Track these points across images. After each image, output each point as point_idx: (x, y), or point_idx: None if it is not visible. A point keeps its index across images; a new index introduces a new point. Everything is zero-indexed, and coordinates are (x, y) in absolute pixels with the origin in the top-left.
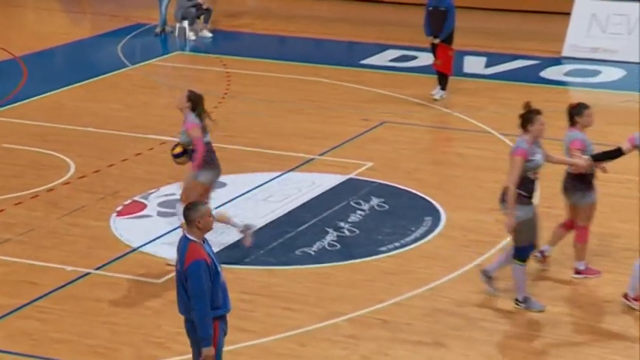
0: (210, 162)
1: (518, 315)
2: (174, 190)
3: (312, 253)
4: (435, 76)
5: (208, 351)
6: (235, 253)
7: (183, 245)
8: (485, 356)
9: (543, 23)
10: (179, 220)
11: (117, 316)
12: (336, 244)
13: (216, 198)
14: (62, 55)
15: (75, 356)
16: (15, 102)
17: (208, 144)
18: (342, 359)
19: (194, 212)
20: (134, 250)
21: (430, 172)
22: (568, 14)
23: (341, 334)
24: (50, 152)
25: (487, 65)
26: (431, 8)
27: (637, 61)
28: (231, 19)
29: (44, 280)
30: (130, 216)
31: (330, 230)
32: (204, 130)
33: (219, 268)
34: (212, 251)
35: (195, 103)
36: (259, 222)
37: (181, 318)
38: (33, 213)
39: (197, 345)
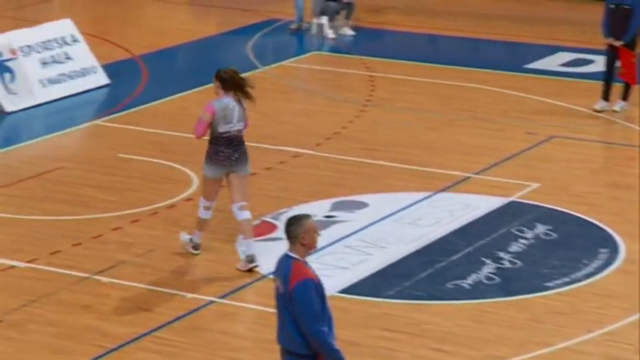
0: (213, 154)
1: None
2: (309, 210)
3: (467, 286)
4: (616, 85)
5: None
6: (378, 284)
7: (286, 264)
8: None
9: None
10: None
11: (244, 351)
12: (494, 277)
13: (355, 220)
14: (185, 55)
15: None
16: (133, 107)
17: (223, 134)
18: None
19: (297, 227)
20: (264, 277)
21: (607, 197)
22: None
23: None
24: (171, 164)
25: None
26: (612, 6)
27: None
28: (375, 14)
29: (163, 308)
30: (259, 238)
31: (488, 261)
32: (226, 118)
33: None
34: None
35: (226, 82)
36: (406, 249)
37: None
38: (152, 232)
39: None
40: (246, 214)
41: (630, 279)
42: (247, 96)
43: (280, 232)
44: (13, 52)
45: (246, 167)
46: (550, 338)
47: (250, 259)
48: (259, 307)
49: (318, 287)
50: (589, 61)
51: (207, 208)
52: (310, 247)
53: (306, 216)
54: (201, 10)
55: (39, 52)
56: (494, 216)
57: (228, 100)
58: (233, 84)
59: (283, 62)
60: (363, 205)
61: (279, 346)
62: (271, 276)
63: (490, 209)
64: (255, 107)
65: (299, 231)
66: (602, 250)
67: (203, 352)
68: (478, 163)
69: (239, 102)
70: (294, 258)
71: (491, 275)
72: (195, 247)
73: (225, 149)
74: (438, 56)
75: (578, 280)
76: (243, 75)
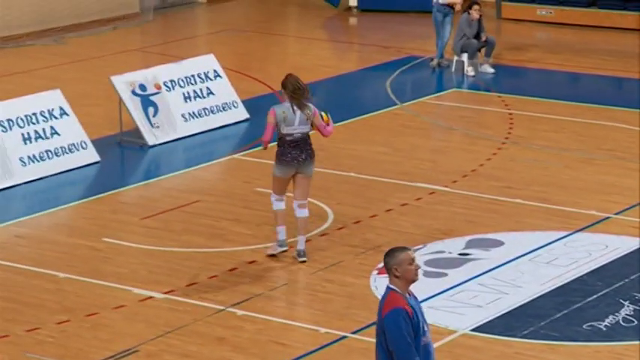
0: (281, 155)
1: None
2: (443, 247)
3: (604, 328)
4: None
5: None
6: (511, 323)
7: (384, 294)
8: None
9: None
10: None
11: None
12: (632, 319)
13: (490, 258)
14: (324, 90)
15: None
16: (272, 142)
17: (286, 136)
18: None
19: (390, 259)
20: None
21: None
22: None
23: None
24: (309, 199)
25: None
26: None
27: None
28: (516, 52)
29: (295, 342)
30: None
31: (626, 303)
32: (286, 121)
33: (423, 330)
34: (419, 309)
35: (286, 89)
36: (541, 288)
37: None
38: (286, 266)
39: None
40: (304, 212)
41: None
42: (300, 107)
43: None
44: (158, 86)
45: (311, 169)
46: None
47: (299, 253)
48: None
49: (409, 317)
50: None
51: (279, 200)
52: (406, 279)
53: (403, 248)
54: (341, 47)
55: (182, 87)
56: (633, 257)
57: (289, 105)
58: (292, 91)
59: (422, 99)
60: (498, 243)
61: None
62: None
63: (629, 250)
64: (392, 144)
65: (391, 263)
66: None
67: None
68: (617, 203)
69: (300, 107)
70: (392, 288)
71: (629, 317)
72: (281, 244)
73: (293, 151)
74: (578, 94)
75: None
76: (303, 85)
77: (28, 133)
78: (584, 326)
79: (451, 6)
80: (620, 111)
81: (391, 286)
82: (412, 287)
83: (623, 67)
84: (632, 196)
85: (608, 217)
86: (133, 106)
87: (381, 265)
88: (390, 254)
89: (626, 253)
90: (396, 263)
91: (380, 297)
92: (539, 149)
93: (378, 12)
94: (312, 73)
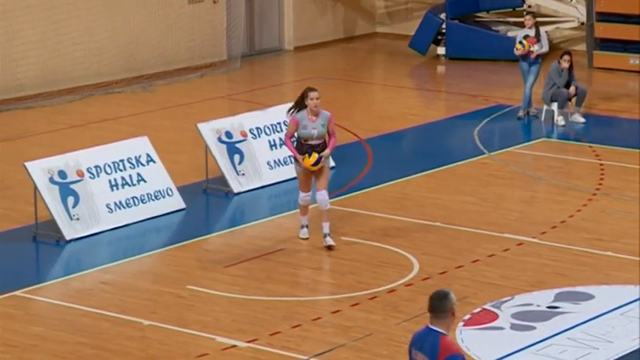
0: (301, 154)
1: None
2: (531, 299)
3: None
4: None
5: None
6: None
7: (433, 338)
8: None
9: None
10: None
11: None
12: None
13: (580, 312)
14: (411, 139)
15: None
16: (357, 190)
17: (305, 137)
18: None
19: (450, 300)
20: None
21: None
22: None
23: None
24: (392, 248)
25: None
26: None
27: None
28: (608, 102)
29: None
30: (480, 327)
31: None
32: (301, 127)
33: None
34: None
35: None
36: (633, 344)
37: None
38: (371, 316)
39: None
40: (323, 195)
41: None
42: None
43: (502, 321)
44: (244, 133)
45: (327, 162)
46: None
47: (326, 236)
48: None
49: None
50: None
51: (302, 198)
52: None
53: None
54: (429, 95)
55: (267, 134)
56: None
57: (305, 112)
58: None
59: (510, 148)
60: (588, 296)
61: None
62: (414, 349)
63: None
64: (479, 193)
65: (451, 304)
66: None
67: None
68: None
69: (316, 114)
70: (442, 332)
71: None
72: (302, 226)
73: (310, 150)
74: None
75: None
76: (316, 93)
77: (115, 180)
78: None
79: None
80: None
81: (438, 329)
82: (499, 341)
83: None
84: None
85: None
86: (219, 153)
87: (468, 316)
88: (447, 296)
89: None
90: (455, 304)
91: (421, 339)
92: (631, 201)
93: (466, 60)
94: (399, 121)
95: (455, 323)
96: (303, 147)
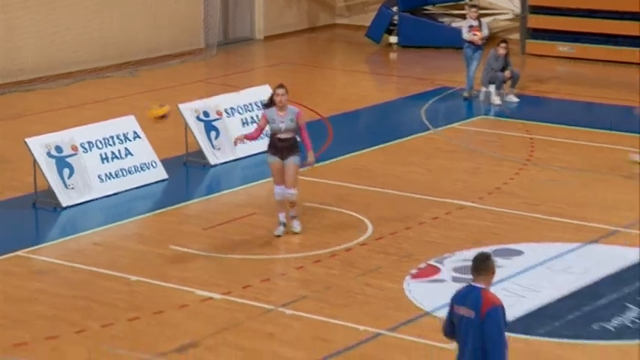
0: (271, 147)
1: None
2: (470, 256)
3: (611, 328)
4: None
5: None
6: (529, 323)
7: (476, 293)
8: None
9: None
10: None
11: None
12: (637, 321)
13: (511, 266)
14: (366, 117)
15: None
16: (319, 162)
17: (275, 131)
18: None
19: (492, 262)
20: (427, 313)
21: None
22: None
23: None
24: (349, 212)
25: None
26: None
27: None
28: (538, 84)
29: (337, 338)
30: (425, 279)
31: (632, 306)
32: (270, 121)
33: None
34: None
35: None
36: (557, 293)
37: None
38: (330, 271)
39: None
40: (290, 191)
41: None
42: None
43: (444, 274)
44: (219, 113)
45: (295, 158)
46: None
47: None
48: (423, 340)
49: (505, 314)
50: None
51: (278, 193)
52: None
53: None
54: (383, 79)
55: (240, 114)
56: (638, 267)
57: (275, 108)
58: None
59: (453, 125)
60: (518, 252)
61: None
62: (456, 305)
63: (636, 260)
64: (426, 165)
65: (492, 264)
66: None
67: None
68: (626, 218)
69: (284, 109)
70: (484, 288)
71: (635, 319)
72: (280, 223)
73: (279, 143)
74: (592, 121)
75: None
76: (282, 90)
77: (105, 154)
78: (594, 326)
79: (475, 43)
80: (628, 136)
81: (481, 285)
82: (441, 292)
83: (632, 98)
84: (632, 210)
85: (617, 231)
86: (198, 130)
87: (415, 271)
88: (490, 258)
89: (633, 262)
90: (494, 264)
91: (465, 295)
92: (557, 170)
93: (416, 48)
94: (356, 101)
95: (403, 277)
96: (273, 140)
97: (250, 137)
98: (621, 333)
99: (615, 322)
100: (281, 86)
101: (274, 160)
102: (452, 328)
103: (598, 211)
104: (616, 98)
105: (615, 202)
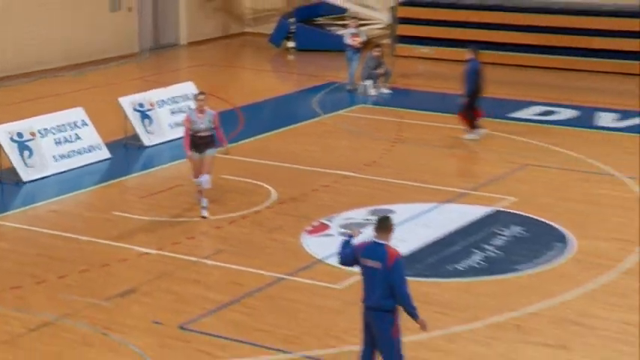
0: (194, 145)
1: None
2: (353, 214)
3: (462, 268)
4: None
5: (421, 321)
6: None
7: (381, 249)
8: (600, 357)
9: None
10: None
11: (304, 312)
12: (482, 262)
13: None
14: (270, 106)
15: (271, 342)
16: (232, 142)
17: (195, 131)
18: (482, 356)
19: (391, 222)
20: (319, 261)
21: (563, 207)
22: None
23: (482, 335)
24: (257, 182)
25: (618, 119)
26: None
27: None
28: (406, 79)
29: (249, 282)
30: (317, 234)
31: (477, 251)
32: (192, 122)
33: None
34: None
35: (195, 101)
36: (420, 242)
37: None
38: (243, 230)
39: (371, 333)
40: (206, 178)
41: (578, 265)
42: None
43: (332, 230)
44: (152, 104)
45: (211, 150)
46: (518, 305)
47: (203, 209)
48: (316, 282)
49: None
50: (554, 112)
51: (197, 183)
52: None
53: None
54: (283, 76)
55: (169, 105)
56: (483, 220)
57: (195, 110)
58: (194, 101)
59: (338, 112)
60: (391, 211)
61: (365, 305)
62: (362, 257)
63: (480, 215)
64: (318, 143)
65: (391, 224)
66: (558, 245)
67: (275, 314)
68: (474, 182)
69: (202, 112)
70: (386, 244)
71: (479, 261)
72: (202, 207)
73: (199, 140)
74: (446, 108)
75: (541, 265)
76: (202, 96)
77: (59, 138)
78: (448, 267)
79: (355, 46)
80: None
81: (384, 242)
82: (330, 244)
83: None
84: (483, 177)
85: (466, 193)
86: (134, 118)
87: (309, 228)
88: (389, 219)
89: (478, 217)
90: (393, 225)
91: (372, 249)
92: (420, 146)
93: (309, 51)
94: (261, 94)
95: (300, 233)
96: (194, 137)
97: (186, 143)
98: (469, 272)
99: (464, 264)
100: (201, 93)
101: (194, 155)
102: (350, 262)
103: (452, 177)
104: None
105: (466, 171)
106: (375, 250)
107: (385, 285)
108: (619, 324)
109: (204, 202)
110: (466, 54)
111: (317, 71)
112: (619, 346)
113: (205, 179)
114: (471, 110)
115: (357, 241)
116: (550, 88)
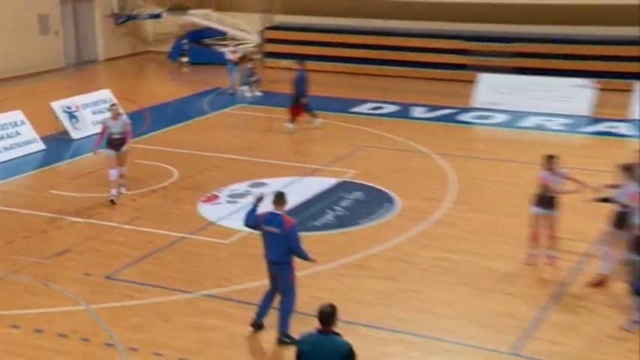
0: (108, 144)
1: (447, 263)
2: (238, 187)
3: (319, 224)
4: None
5: (312, 259)
6: None
7: (279, 217)
8: (420, 285)
9: (462, 88)
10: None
11: (201, 262)
12: (333, 219)
13: (260, 191)
14: (170, 107)
15: (177, 285)
16: (142, 135)
17: (111, 133)
18: (336, 288)
19: (286, 196)
20: (212, 223)
21: (391, 177)
22: (473, 81)
23: (336, 273)
24: (163, 165)
25: (427, 112)
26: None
27: (519, 109)
28: (272, 84)
29: (158, 241)
30: (210, 203)
31: (329, 211)
32: (107, 127)
33: None
34: None
35: (109, 110)
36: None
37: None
38: (153, 201)
39: (275, 278)
40: (123, 168)
41: (402, 218)
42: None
43: (221, 199)
44: (77, 107)
45: (125, 147)
46: (361, 249)
47: (116, 193)
48: (210, 239)
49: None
50: (382, 107)
51: (111, 174)
52: None
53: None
54: (180, 84)
55: (91, 108)
56: (333, 188)
57: (110, 117)
58: (109, 110)
59: (223, 110)
60: (264, 184)
61: (268, 259)
62: (264, 225)
63: (331, 185)
64: (208, 135)
65: (285, 197)
66: (388, 204)
67: (181, 263)
68: (325, 161)
69: (116, 119)
70: (282, 214)
71: (331, 219)
72: (116, 196)
73: (114, 141)
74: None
75: (376, 219)
76: (115, 106)
77: (2, 135)
78: (308, 224)
79: (234, 60)
80: (328, 114)
81: (280, 212)
82: (220, 210)
83: (326, 90)
84: (332, 155)
85: (319, 168)
86: (64, 118)
87: (204, 198)
88: (284, 194)
89: (329, 186)
90: (286, 198)
91: (271, 218)
92: (285, 134)
93: (199, 64)
94: (163, 97)
95: (197, 202)
96: (110, 139)
97: (97, 142)
98: (324, 227)
99: (320, 221)
100: (113, 104)
101: (110, 152)
102: (254, 227)
103: (308, 157)
104: (315, 91)
105: (318, 152)
106: (273, 219)
107: (284, 245)
108: (432, 259)
109: (123, 189)
110: (295, 65)
111: (205, 80)
112: (432, 275)
113: (122, 170)
114: (295, 107)
115: (260, 209)
116: (378, 90)
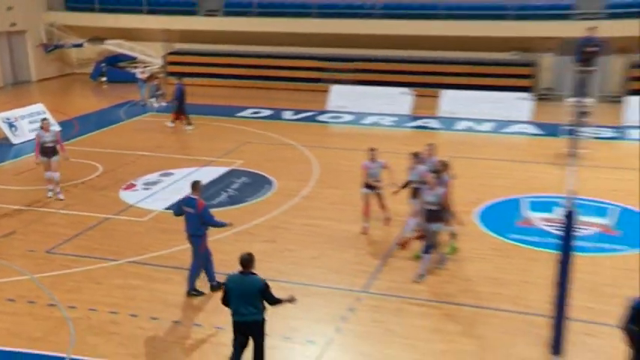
0: (42, 152)
1: (314, 228)
2: (152, 177)
3: (215, 203)
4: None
5: (229, 224)
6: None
7: (193, 200)
8: (293, 245)
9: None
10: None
11: (124, 236)
12: (226, 199)
13: (169, 179)
14: (94, 117)
15: (105, 255)
16: (72, 139)
17: (44, 142)
18: (230, 251)
19: (200, 184)
20: (131, 206)
21: (269, 164)
22: (326, 91)
23: (230, 240)
24: (90, 162)
25: (294, 114)
26: None
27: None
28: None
29: (88, 222)
30: (129, 190)
31: (224, 193)
32: (40, 137)
33: None
34: None
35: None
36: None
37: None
38: (83, 191)
39: (195, 247)
40: (56, 174)
41: (279, 196)
42: (44, 129)
43: (138, 187)
44: (16, 118)
45: (56, 157)
46: (250, 220)
47: (55, 189)
48: (129, 218)
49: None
50: (260, 112)
51: (46, 176)
52: None
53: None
54: (100, 98)
55: (27, 118)
56: (225, 175)
57: (43, 131)
58: (42, 123)
59: (136, 118)
60: (171, 173)
61: (187, 233)
62: (182, 205)
63: (223, 172)
64: (125, 136)
65: (200, 184)
66: (267, 186)
67: (107, 238)
68: (218, 154)
69: (47, 130)
70: (197, 198)
71: (225, 198)
72: (49, 191)
73: (46, 150)
74: (203, 112)
75: (258, 198)
76: (46, 120)
77: None
78: (208, 203)
79: (143, 79)
80: (218, 118)
81: (196, 197)
82: (136, 196)
83: (220, 100)
84: (223, 150)
85: (213, 160)
86: (5, 127)
87: (124, 186)
88: (198, 182)
89: (222, 173)
90: (201, 185)
91: (187, 201)
92: (185, 134)
93: (115, 82)
94: (87, 109)
95: (119, 190)
96: (43, 148)
97: (36, 152)
98: (220, 204)
99: (216, 201)
100: (44, 118)
101: (44, 159)
102: (179, 213)
103: (204, 152)
104: (209, 100)
105: (211, 147)
106: (190, 201)
107: (197, 222)
108: (302, 225)
109: (59, 193)
110: (175, 80)
111: (121, 94)
112: (303, 237)
113: (54, 175)
114: (177, 114)
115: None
116: (257, 99)
